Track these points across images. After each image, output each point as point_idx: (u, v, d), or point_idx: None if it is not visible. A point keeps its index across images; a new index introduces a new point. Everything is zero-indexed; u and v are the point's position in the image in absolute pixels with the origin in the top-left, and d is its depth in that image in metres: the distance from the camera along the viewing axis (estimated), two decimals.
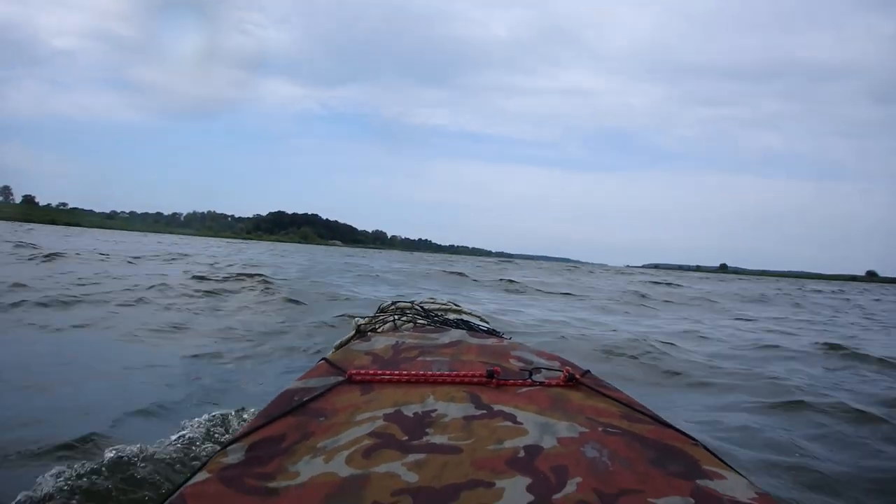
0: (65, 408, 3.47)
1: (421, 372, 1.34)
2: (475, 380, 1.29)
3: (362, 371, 1.33)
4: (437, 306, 2.77)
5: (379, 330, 2.17)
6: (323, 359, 1.50)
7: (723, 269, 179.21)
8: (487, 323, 2.78)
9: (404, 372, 1.33)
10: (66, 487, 2.25)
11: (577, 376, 1.32)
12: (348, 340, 2.10)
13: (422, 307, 2.59)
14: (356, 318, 2.45)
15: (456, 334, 1.75)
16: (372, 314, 2.68)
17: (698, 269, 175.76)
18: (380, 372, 1.33)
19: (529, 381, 1.32)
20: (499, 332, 2.44)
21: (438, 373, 1.34)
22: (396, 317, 2.31)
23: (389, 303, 2.86)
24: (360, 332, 2.17)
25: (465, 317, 2.62)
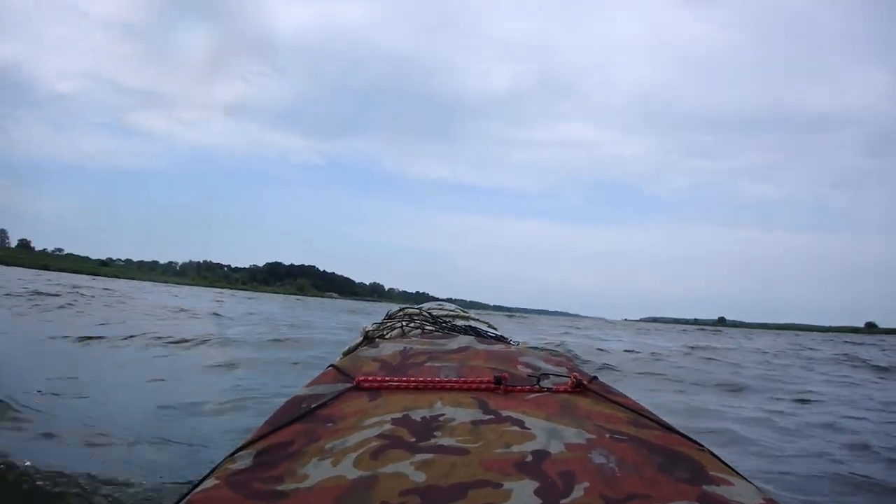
0: None
1: (429, 378, 1.34)
2: (483, 386, 1.30)
3: (370, 377, 1.34)
4: (444, 312, 2.75)
5: (387, 336, 2.17)
6: (331, 365, 1.50)
7: (721, 322, 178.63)
8: (496, 329, 2.75)
9: (412, 378, 1.34)
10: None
11: (585, 382, 1.33)
12: (356, 347, 2.10)
13: (430, 313, 2.58)
14: (364, 325, 2.47)
15: (464, 340, 1.77)
16: (380, 321, 2.65)
17: (696, 322, 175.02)
18: (388, 378, 1.34)
19: (537, 387, 1.32)
20: (507, 338, 2.43)
21: (446, 379, 1.35)
22: (404, 323, 2.32)
23: (398, 309, 2.83)
24: (368, 339, 2.18)
25: (472, 323, 2.62)
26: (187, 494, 0.92)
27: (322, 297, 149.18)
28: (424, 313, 2.59)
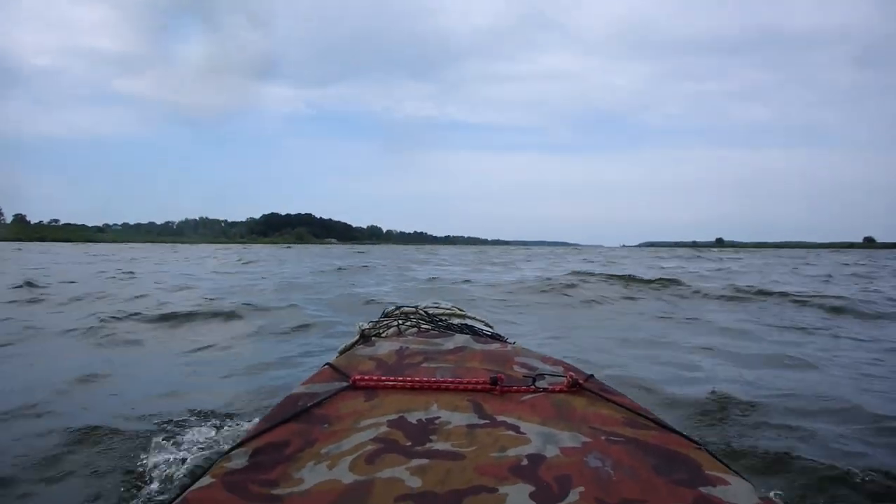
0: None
1: (425, 378, 1.33)
2: (479, 387, 1.29)
3: (366, 377, 1.32)
4: (441, 311, 2.73)
5: (383, 335, 2.13)
6: (327, 363, 1.49)
7: (719, 243, 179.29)
8: (492, 327, 2.74)
9: (408, 378, 1.33)
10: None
11: (581, 381, 1.31)
12: (353, 345, 2.06)
13: (426, 312, 2.55)
14: (360, 323, 2.41)
15: (460, 339, 1.74)
16: (376, 319, 2.62)
17: (694, 244, 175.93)
18: (384, 378, 1.32)
19: (533, 387, 1.30)
20: (503, 337, 2.39)
21: (442, 379, 1.34)
22: (401, 322, 2.29)
23: (394, 307, 2.80)
24: (365, 337, 2.12)
25: (469, 321, 2.59)
26: (183, 492, 0.92)
27: (322, 243, 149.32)
28: (421, 312, 2.58)
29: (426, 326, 2.23)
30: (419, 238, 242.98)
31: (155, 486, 2.34)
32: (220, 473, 0.97)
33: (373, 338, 2.05)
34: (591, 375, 1.39)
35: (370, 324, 2.40)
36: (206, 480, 0.95)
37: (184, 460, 2.51)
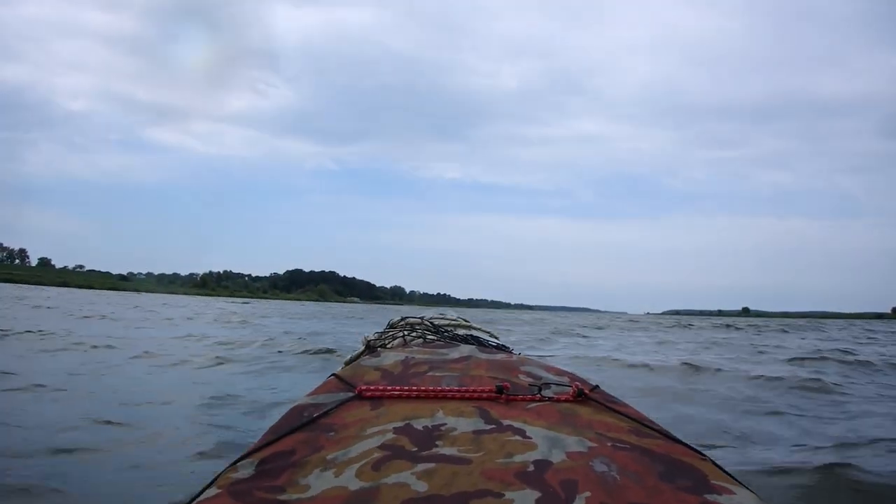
0: None
1: (430, 387, 1.33)
2: (485, 395, 1.29)
3: (372, 387, 1.33)
4: (446, 322, 2.74)
5: (388, 345, 2.16)
6: (332, 374, 1.51)
7: (745, 312, 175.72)
8: (497, 338, 2.74)
9: (414, 387, 1.33)
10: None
11: (587, 391, 1.31)
12: (358, 356, 2.06)
13: (431, 322, 2.58)
14: (366, 334, 2.46)
15: (465, 349, 1.76)
16: (382, 330, 2.66)
17: (720, 313, 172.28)
18: (389, 388, 1.33)
19: (539, 396, 1.30)
20: (508, 348, 2.42)
21: (448, 388, 1.34)
22: (406, 332, 2.31)
23: (399, 318, 2.81)
24: (370, 348, 2.13)
25: (474, 332, 2.60)
26: (189, 503, 0.92)
27: (344, 302, 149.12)
28: (426, 322, 2.57)
29: (431, 337, 2.24)
30: (442, 300, 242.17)
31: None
32: (226, 484, 0.96)
33: (378, 349, 2.06)
34: (597, 386, 1.39)
35: (376, 335, 2.43)
36: (211, 491, 0.94)
37: None
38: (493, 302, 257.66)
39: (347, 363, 2.03)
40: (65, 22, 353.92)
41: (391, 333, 2.36)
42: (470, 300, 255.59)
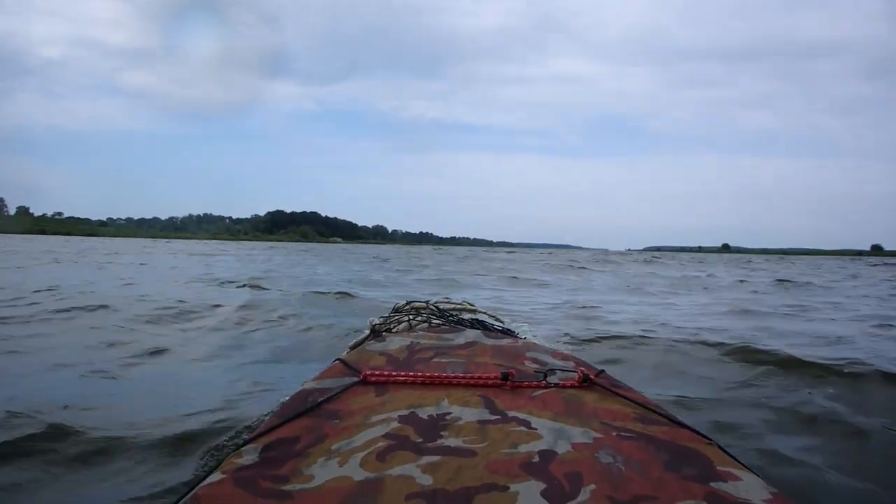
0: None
1: (436, 374, 1.32)
2: (490, 382, 1.29)
3: (377, 372, 1.32)
4: (451, 306, 2.75)
5: (394, 330, 2.15)
6: (338, 359, 1.49)
7: (725, 248, 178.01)
8: (503, 322, 2.72)
9: (419, 373, 1.32)
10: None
11: (592, 377, 1.31)
12: (363, 340, 2.06)
13: (437, 307, 2.58)
14: (371, 318, 2.46)
15: (471, 335, 1.73)
16: (387, 314, 2.62)
17: (700, 249, 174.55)
18: (394, 373, 1.33)
19: (544, 382, 1.30)
20: (514, 332, 2.39)
21: (453, 374, 1.33)
22: (411, 317, 2.29)
23: (404, 303, 2.82)
24: (375, 333, 2.15)
25: (479, 316, 2.61)
26: (194, 488, 0.91)
27: (326, 242, 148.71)
28: (431, 307, 2.57)
29: (437, 321, 2.23)
30: (425, 238, 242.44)
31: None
32: (231, 469, 0.96)
33: (383, 333, 2.07)
34: (603, 371, 1.38)
35: (381, 319, 2.40)
36: (216, 476, 0.94)
37: None
38: (475, 240, 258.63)
39: (352, 347, 2.04)
40: None
41: (396, 318, 2.35)
42: (452, 238, 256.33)
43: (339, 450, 1.01)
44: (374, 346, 1.64)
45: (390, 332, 2.11)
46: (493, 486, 0.88)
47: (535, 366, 1.42)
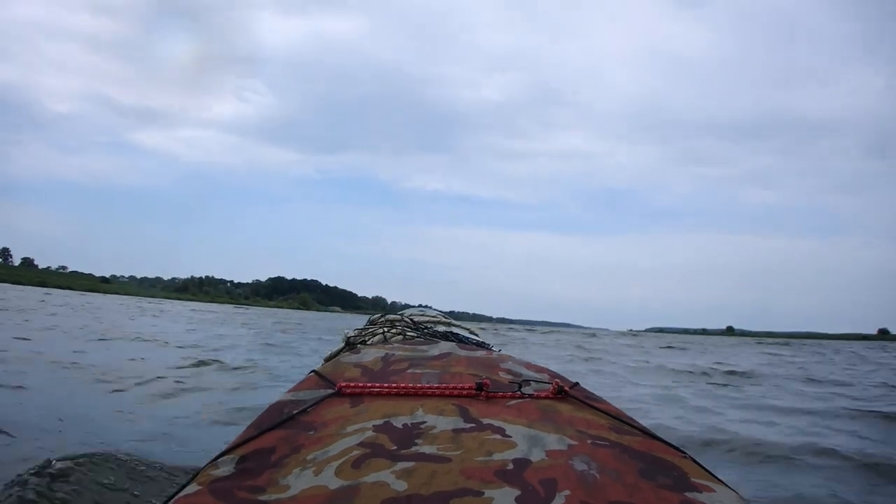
0: None
1: (410, 384, 1.32)
2: (465, 392, 1.28)
3: (352, 384, 1.32)
4: (426, 318, 2.72)
5: (368, 342, 2.14)
6: (313, 371, 1.48)
7: (729, 331, 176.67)
8: (477, 335, 2.70)
9: (394, 384, 1.32)
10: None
11: (567, 388, 1.30)
12: (338, 352, 2.07)
13: (412, 319, 2.57)
14: (346, 331, 2.42)
15: (445, 346, 1.73)
16: (362, 326, 2.61)
17: (704, 332, 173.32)
18: (369, 385, 1.32)
19: (518, 393, 1.29)
20: (488, 345, 2.39)
21: (428, 385, 1.33)
22: (386, 329, 2.29)
23: (379, 315, 2.80)
24: (350, 345, 2.15)
25: (454, 329, 2.58)
26: (169, 500, 0.91)
27: (326, 311, 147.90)
28: (406, 319, 2.55)
29: (411, 334, 2.22)
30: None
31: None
32: (207, 481, 0.96)
33: (358, 345, 2.07)
34: (577, 383, 1.37)
35: (356, 331, 2.39)
36: (192, 488, 0.94)
37: None
38: (474, 315, 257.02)
39: (327, 359, 2.01)
40: (52, 24, 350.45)
41: (371, 330, 2.33)
42: (452, 311, 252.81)
43: (315, 459, 1.01)
44: (349, 357, 1.61)
45: (365, 344, 2.10)
46: (467, 492, 0.88)
47: (510, 377, 1.41)
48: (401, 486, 0.90)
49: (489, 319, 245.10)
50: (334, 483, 0.91)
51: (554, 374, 1.45)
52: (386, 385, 1.31)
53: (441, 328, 2.46)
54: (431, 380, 1.38)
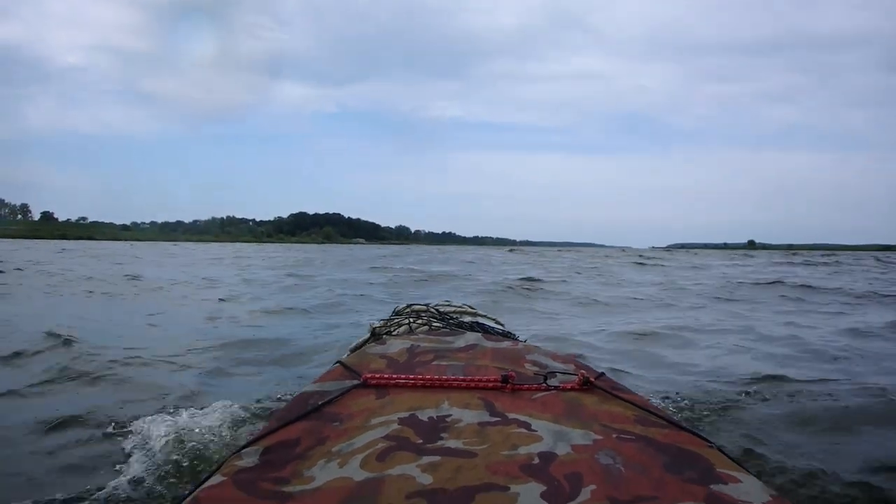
0: None
1: (436, 376, 1.33)
2: (490, 385, 1.29)
3: (377, 375, 1.33)
4: (452, 309, 2.72)
5: (394, 333, 2.15)
6: (338, 362, 1.50)
7: (751, 245, 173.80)
8: (503, 325, 2.69)
9: (419, 376, 1.32)
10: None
11: (592, 379, 1.31)
12: (363, 343, 2.08)
13: (437, 310, 2.56)
14: (371, 322, 2.50)
15: (471, 337, 1.73)
16: (387, 317, 2.59)
17: (725, 246, 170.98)
18: (395, 376, 1.33)
19: (544, 385, 1.30)
20: (514, 335, 2.36)
21: (454, 377, 1.33)
22: (411, 320, 2.28)
23: (404, 305, 2.80)
24: (375, 335, 2.16)
25: (480, 319, 2.55)
26: (194, 490, 0.92)
27: (349, 243, 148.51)
28: (431, 310, 2.55)
29: (437, 324, 2.23)
30: (448, 238, 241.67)
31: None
32: (231, 472, 0.96)
33: (384, 336, 2.09)
34: (603, 373, 1.37)
35: (381, 322, 2.41)
36: (216, 479, 0.95)
37: None
38: (497, 239, 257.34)
39: (353, 350, 2.05)
40: None
41: (396, 321, 2.33)
42: (476, 237, 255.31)
43: (340, 451, 1.01)
44: (374, 348, 1.64)
45: (390, 334, 2.10)
46: (493, 487, 0.88)
47: (536, 368, 1.41)
48: (426, 479, 0.90)
49: (513, 242, 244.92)
50: (359, 475, 0.92)
51: (580, 365, 1.44)
52: (412, 377, 1.31)
53: (466, 318, 2.46)
54: (457, 372, 1.39)
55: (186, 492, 0.92)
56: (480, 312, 2.80)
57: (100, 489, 2.28)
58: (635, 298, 10.96)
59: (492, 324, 2.54)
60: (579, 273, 19.07)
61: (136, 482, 2.32)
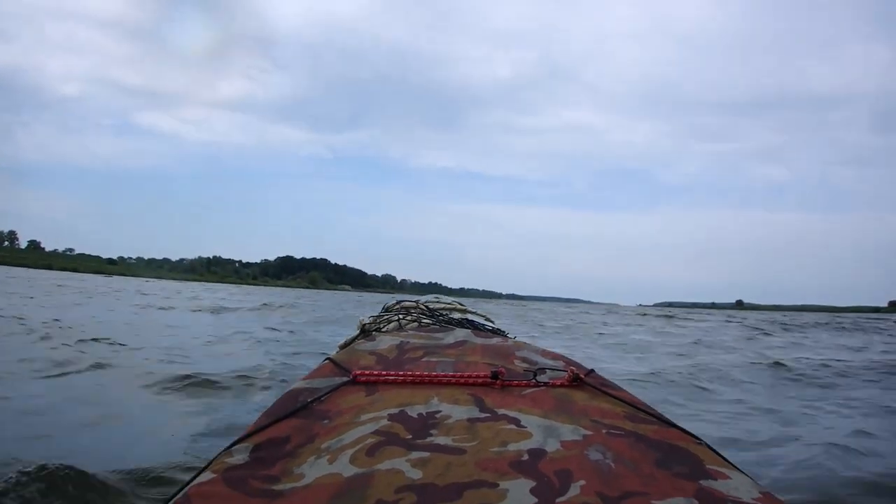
0: None
1: (425, 373, 1.33)
2: (480, 381, 1.28)
3: (367, 371, 1.33)
4: (441, 305, 2.71)
5: (384, 329, 2.16)
6: (327, 358, 1.49)
7: (739, 305, 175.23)
8: (492, 322, 2.66)
9: (409, 373, 1.33)
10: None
11: (582, 376, 1.31)
12: (353, 340, 2.09)
13: (427, 306, 2.57)
14: (361, 318, 2.43)
15: (461, 334, 1.74)
16: (377, 314, 2.58)
17: (713, 306, 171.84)
18: (384, 373, 1.33)
19: (534, 381, 1.30)
20: (503, 332, 2.36)
21: (443, 374, 1.33)
22: (401, 316, 2.29)
23: (394, 302, 2.81)
24: (365, 332, 2.17)
25: (469, 316, 2.57)
26: (184, 487, 0.92)
27: (335, 289, 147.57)
28: (421, 306, 2.56)
29: (427, 321, 2.22)
30: (433, 288, 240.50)
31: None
32: (221, 469, 0.97)
33: (373, 332, 2.08)
34: (592, 370, 1.38)
35: (371, 318, 2.40)
36: (206, 476, 0.95)
37: None
38: (484, 292, 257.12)
39: (342, 347, 2.04)
40: (59, 4, 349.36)
41: (386, 317, 2.34)
42: (461, 289, 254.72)
43: (329, 448, 1.01)
44: (363, 345, 1.62)
45: (380, 331, 2.10)
46: (482, 483, 0.88)
47: (525, 365, 1.41)
48: (416, 474, 0.90)
49: (499, 296, 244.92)
50: (349, 470, 0.92)
51: (570, 362, 1.45)
52: (401, 373, 1.31)
53: (456, 315, 2.45)
54: (447, 368, 1.38)
55: (176, 490, 0.91)
56: (470, 309, 2.80)
57: None
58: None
59: (482, 321, 2.54)
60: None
61: None
